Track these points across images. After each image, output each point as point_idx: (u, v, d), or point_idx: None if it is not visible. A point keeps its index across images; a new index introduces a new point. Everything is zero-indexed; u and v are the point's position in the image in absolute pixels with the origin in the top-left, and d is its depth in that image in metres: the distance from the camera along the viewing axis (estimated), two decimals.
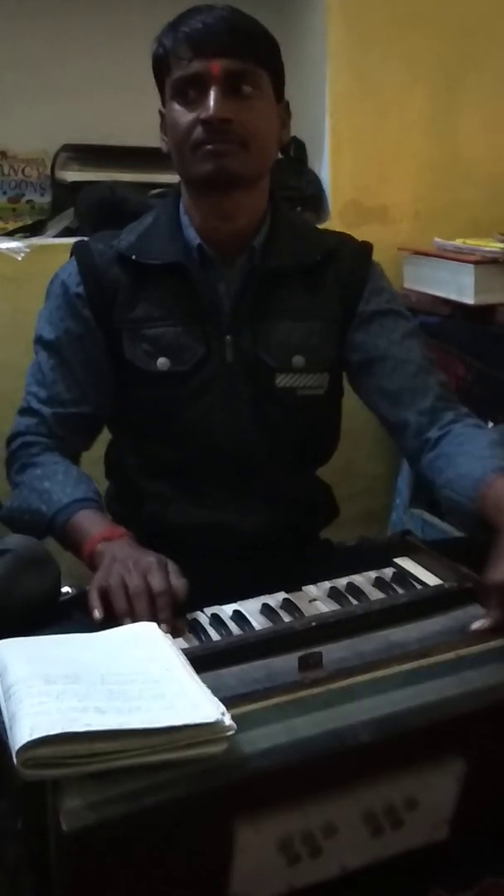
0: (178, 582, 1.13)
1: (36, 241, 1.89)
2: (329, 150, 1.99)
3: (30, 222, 1.99)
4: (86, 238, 1.41)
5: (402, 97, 2.00)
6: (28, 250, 1.83)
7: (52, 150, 2.00)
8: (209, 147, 1.23)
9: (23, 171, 2.02)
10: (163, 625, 1.06)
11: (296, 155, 2.07)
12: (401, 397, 1.34)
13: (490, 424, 1.68)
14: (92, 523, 1.23)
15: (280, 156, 2.07)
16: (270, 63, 1.27)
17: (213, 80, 1.22)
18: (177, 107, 1.25)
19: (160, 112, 1.32)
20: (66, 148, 1.98)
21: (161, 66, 1.27)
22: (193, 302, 1.33)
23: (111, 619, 1.10)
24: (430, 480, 1.32)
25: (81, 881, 0.80)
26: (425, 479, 1.36)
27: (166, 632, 1.04)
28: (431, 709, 0.90)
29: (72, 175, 1.96)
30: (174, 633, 1.07)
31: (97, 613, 1.10)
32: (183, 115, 1.24)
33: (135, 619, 1.08)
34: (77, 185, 1.93)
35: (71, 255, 1.38)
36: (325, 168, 2.01)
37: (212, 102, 1.21)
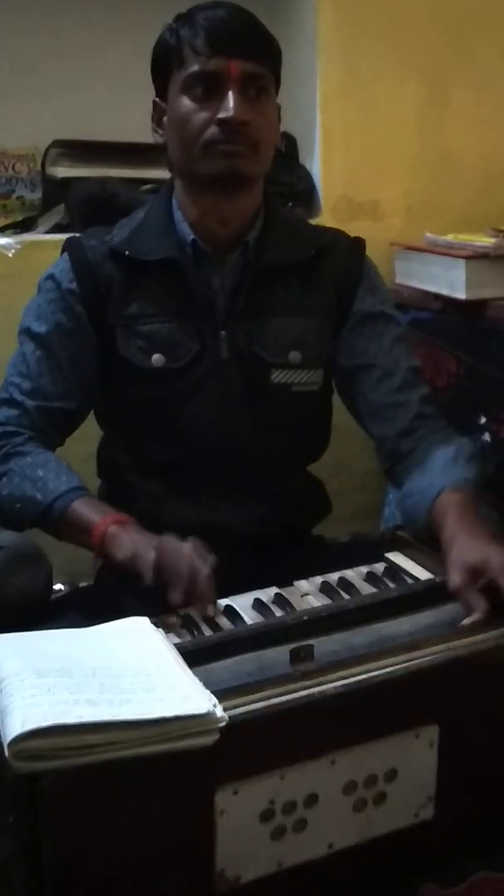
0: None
1: (27, 237, 1.88)
2: (320, 146, 1.98)
3: (20, 218, 1.99)
4: (78, 234, 1.41)
5: (394, 92, 2.00)
6: (19, 247, 1.83)
7: (42, 146, 1.99)
8: (223, 147, 1.24)
9: (13, 167, 2.02)
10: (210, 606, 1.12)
11: (287, 150, 2.07)
12: (382, 412, 1.36)
13: (483, 422, 1.69)
14: (96, 509, 1.24)
15: None
16: (277, 67, 1.29)
17: (232, 81, 1.22)
18: (187, 101, 1.25)
19: (154, 102, 1.31)
20: (57, 144, 1.97)
21: (169, 56, 1.26)
22: (187, 298, 1.33)
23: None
24: (397, 491, 1.36)
25: (65, 840, 0.81)
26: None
27: (212, 613, 1.11)
28: (400, 672, 0.93)
29: (62, 171, 1.95)
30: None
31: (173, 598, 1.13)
32: (195, 111, 1.24)
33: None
34: (67, 181, 1.93)
35: (63, 252, 1.38)
36: (317, 163, 2.00)
37: (231, 104, 1.22)
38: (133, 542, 1.17)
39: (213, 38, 1.22)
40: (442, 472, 1.25)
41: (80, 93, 2.00)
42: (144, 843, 0.85)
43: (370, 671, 0.93)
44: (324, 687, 0.91)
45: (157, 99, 1.31)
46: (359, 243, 1.42)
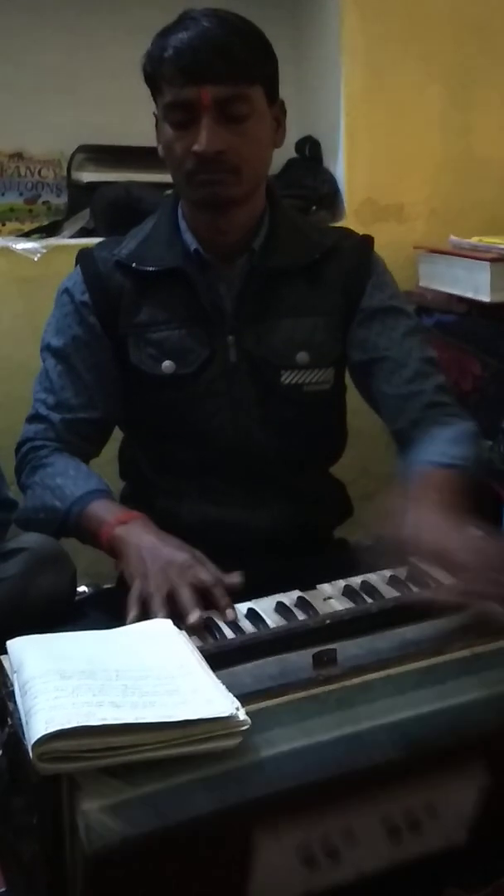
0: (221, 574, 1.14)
1: (52, 241, 1.90)
2: (344, 149, 1.99)
3: (46, 223, 2.01)
4: (90, 246, 1.42)
5: (418, 95, 2.00)
6: (44, 251, 1.84)
7: (67, 152, 2.01)
8: (202, 177, 1.24)
9: (39, 172, 2.04)
10: (228, 611, 1.09)
11: (311, 154, 2.07)
12: (396, 403, 1.35)
13: None
14: (107, 510, 1.24)
15: (295, 154, 2.09)
16: (262, 74, 1.25)
17: (204, 109, 1.20)
18: (169, 130, 1.25)
19: (155, 116, 1.30)
20: (82, 149, 1.99)
21: (151, 83, 1.27)
22: (195, 304, 1.34)
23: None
24: None
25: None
26: None
27: (232, 618, 1.07)
28: (455, 716, 0.89)
29: (87, 176, 1.97)
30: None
31: (133, 613, 1.10)
32: (176, 140, 1.24)
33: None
34: (93, 186, 1.94)
35: (76, 264, 1.39)
36: (341, 167, 2.00)
37: (204, 136, 1.21)
38: (139, 562, 1.16)
39: (181, 66, 1.20)
40: (431, 451, 1.24)
41: (105, 98, 2.02)
42: (179, 889, 0.83)
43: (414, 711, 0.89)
44: (373, 728, 0.87)
45: (155, 113, 1.30)
46: (366, 241, 1.42)
